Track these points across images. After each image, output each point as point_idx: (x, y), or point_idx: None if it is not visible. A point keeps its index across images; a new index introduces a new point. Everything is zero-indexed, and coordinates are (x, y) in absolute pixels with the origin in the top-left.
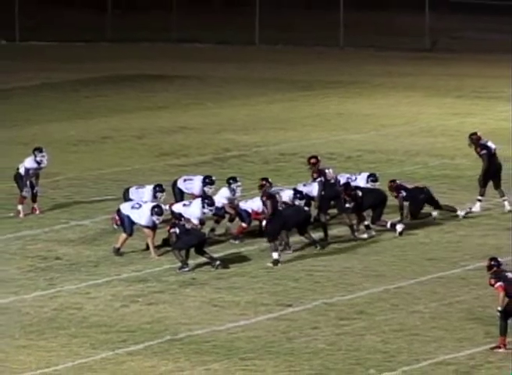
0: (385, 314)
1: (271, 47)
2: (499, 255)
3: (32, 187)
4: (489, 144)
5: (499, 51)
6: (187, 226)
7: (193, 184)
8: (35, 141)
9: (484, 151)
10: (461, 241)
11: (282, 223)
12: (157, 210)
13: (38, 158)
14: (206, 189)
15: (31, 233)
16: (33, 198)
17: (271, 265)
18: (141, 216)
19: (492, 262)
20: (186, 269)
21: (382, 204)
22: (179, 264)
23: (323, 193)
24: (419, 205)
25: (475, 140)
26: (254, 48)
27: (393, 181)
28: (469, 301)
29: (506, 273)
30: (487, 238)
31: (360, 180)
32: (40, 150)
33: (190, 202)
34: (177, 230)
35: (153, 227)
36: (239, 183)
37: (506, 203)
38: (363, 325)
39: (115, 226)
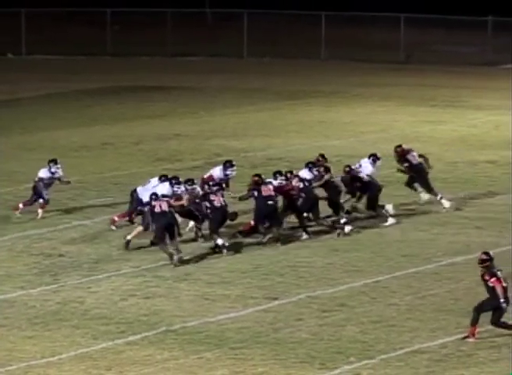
0: (365, 306)
1: (258, 59)
2: (469, 251)
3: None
4: (413, 154)
5: (470, 63)
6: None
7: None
8: (42, 147)
9: (406, 164)
10: (435, 238)
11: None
12: (175, 181)
13: (53, 170)
14: (174, 188)
15: (36, 232)
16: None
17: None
18: (163, 189)
19: (486, 257)
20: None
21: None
22: (175, 257)
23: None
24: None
25: (400, 152)
26: (243, 60)
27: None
28: (442, 295)
29: (495, 269)
30: (458, 236)
31: (365, 167)
32: (55, 162)
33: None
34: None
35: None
36: (234, 168)
37: (443, 201)
38: (344, 316)
39: (113, 228)
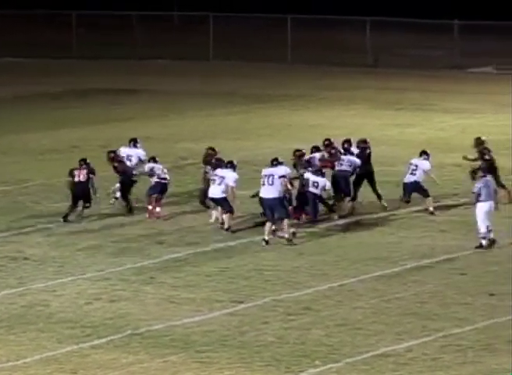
0: (330, 310)
1: (224, 62)
2: (434, 254)
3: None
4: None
5: (437, 67)
6: None
7: None
8: (12, 150)
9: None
10: (401, 242)
11: None
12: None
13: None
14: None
15: (1, 235)
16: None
17: None
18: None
19: None
20: None
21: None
22: (139, 259)
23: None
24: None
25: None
26: (209, 63)
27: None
28: (407, 298)
29: None
30: (424, 239)
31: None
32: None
33: None
34: None
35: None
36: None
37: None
38: (309, 320)
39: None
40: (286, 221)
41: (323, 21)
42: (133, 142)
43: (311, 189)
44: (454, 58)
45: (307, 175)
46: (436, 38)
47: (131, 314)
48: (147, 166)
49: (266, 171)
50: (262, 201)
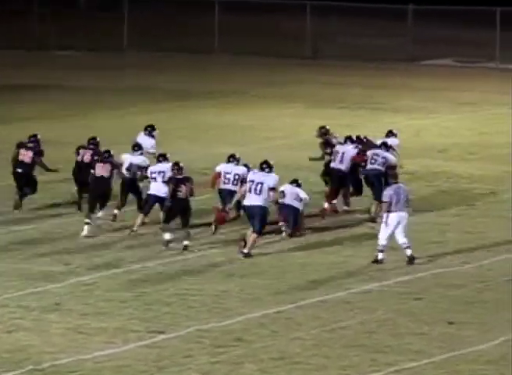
0: (264, 341)
1: (141, 54)
2: (384, 277)
3: None
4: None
5: (387, 58)
6: None
7: None
8: None
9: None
10: (345, 261)
11: None
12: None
13: None
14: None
15: None
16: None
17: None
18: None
19: None
20: None
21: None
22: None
23: None
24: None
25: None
26: (123, 55)
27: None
28: (353, 327)
29: None
30: (372, 259)
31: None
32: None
33: None
34: None
35: None
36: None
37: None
38: (240, 353)
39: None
40: (254, 236)
41: (256, 5)
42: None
43: (293, 203)
44: (407, 49)
45: (292, 189)
46: (386, 26)
47: (32, 346)
48: None
49: (255, 177)
50: (246, 208)
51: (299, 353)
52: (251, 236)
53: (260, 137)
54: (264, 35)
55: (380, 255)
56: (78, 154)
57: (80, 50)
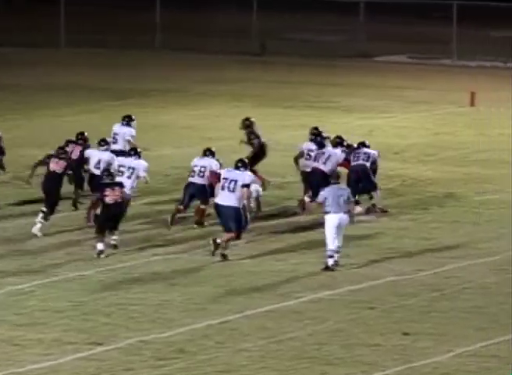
0: (209, 353)
1: (78, 50)
2: (335, 284)
3: None
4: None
5: (338, 55)
6: None
7: None
8: None
9: None
10: (294, 269)
11: None
12: None
13: None
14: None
15: None
16: None
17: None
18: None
19: None
20: None
21: None
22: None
23: None
24: None
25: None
26: (60, 51)
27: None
28: (303, 338)
29: None
30: (322, 266)
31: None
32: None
33: None
34: None
35: None
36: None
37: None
38: (183, 365)
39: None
40: (230, 235)
41: (200, 0)
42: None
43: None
44: (359, 45)
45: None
46: (337, 20)
47: None
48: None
49: (229, 174)
50: (218, 207)
51: (245, 365)
52: (227, 235)
53: (202, 138)
54: (208, 31)
55: (330, 261)
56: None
57: (15, 46)
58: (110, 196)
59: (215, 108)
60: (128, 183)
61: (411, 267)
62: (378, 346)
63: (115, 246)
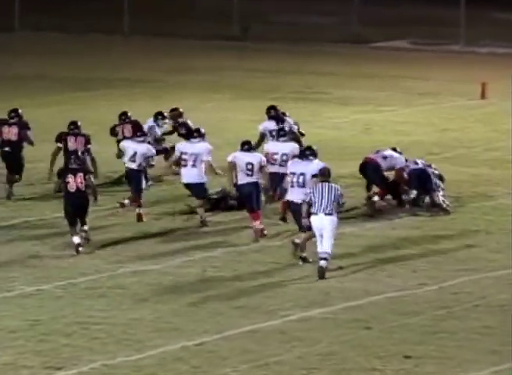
0: None
1: (34, 34)
2: (328, 301)
3: None
4: None
5: (329, 40)
6: None
7: None
8: None
9: None
10: (281, 284)
11: None
12: None
13: None
14: None
15: None
16: None
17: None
18: None
19: None
20: None
21: None
22: None
23: None
24: None
25: None
26: (14, 35)
27: None
28: (290, 362)
29: None
30: (313, 281)
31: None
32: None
33: None
34: None
35: None
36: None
37: None
38: None
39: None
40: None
41: None
42: None
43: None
44: (352, 29)
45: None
46: (328, 2)
47: None
48: None
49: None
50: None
51: None
52: (304, 235)
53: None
54: (183, 14)
55: (321, 262)
56: (61, 142)
57: None
58: (71, 183)
59: (189, 100)
60: (194, 172)
61: (414, 281)
62: (376, 371)
63: (86, 239)
